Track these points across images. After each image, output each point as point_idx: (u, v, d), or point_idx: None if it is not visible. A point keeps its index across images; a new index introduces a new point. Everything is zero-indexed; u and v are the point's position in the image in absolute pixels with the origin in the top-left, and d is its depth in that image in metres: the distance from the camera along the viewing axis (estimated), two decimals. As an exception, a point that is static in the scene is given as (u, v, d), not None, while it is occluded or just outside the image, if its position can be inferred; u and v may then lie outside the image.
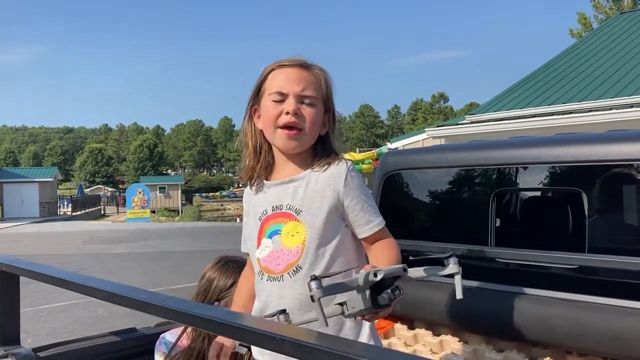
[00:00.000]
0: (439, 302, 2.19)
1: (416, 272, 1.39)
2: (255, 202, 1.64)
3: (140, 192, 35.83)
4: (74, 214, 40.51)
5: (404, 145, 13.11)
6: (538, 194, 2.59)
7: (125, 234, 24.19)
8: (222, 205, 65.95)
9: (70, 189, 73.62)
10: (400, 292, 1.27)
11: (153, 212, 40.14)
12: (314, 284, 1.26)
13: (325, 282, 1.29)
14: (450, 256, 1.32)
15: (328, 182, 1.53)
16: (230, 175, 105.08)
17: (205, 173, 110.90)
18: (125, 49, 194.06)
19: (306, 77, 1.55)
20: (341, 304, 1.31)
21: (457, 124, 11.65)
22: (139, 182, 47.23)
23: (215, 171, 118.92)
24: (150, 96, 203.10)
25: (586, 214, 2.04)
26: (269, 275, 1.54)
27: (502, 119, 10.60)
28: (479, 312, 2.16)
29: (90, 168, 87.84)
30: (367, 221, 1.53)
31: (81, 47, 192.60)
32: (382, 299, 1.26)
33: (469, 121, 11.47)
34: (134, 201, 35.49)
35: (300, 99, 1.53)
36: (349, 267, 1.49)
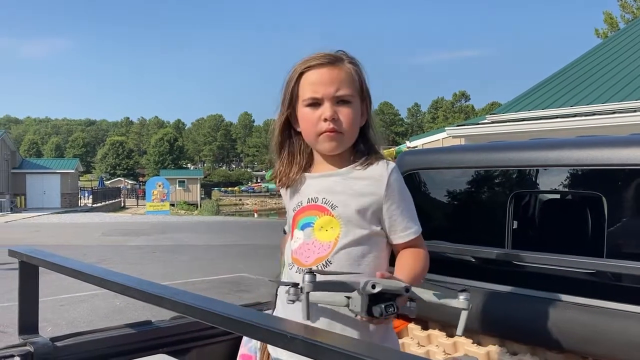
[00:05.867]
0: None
1: (422, 293, 1.38)
2: (291, 194, 1.63)
3: (160, 186, 36.16)
4: (94, 205, 41.08)
5: (423, 144, 13.05)
6: (557, 196, 2.56)
7: (145, 227, 24.45)
8: (240, 200, 66.34)
9: (91, 180, 74.64)
10: (394, 310, 1.29)
11: (172, 205, 40.47)
12: (307, 277, 1.31)
13: (324, 278, 1.33)
14: (464, 290, 1.33)
15: (369, 183, 1.51)
16: (249, 170, 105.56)
17: (224, 168, 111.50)
18: (147, 43, 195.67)
19: (338, 76, 1.50)
20: (348, 297, 1.35)
21: (478, 124, 11.55)
22: (159, 176, 47.63)
23: (234, 166, 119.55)
24: (171, 90, 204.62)
25: (606, 218, 2.01)
26: (298, 267, 1.53)
27: (523, 120, 10.48)
28: (493, 315, 2.14)
29: (111, 160, 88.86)
30: (405, 227, 1.52)
31: (104, 40, 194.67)
32: (375, 310, 1.29)
33: (489, 121, 11.37)
34: (154, 194, 35.82)
35: (335, 100, 1.50)
36: (378, 269, 1.47)
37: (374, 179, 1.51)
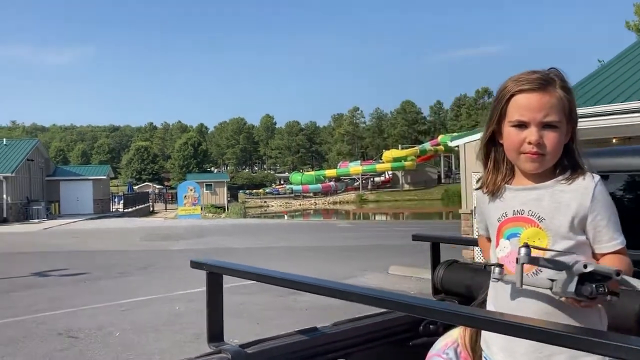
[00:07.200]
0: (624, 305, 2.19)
1: (632, 280, 1.43)
2: (492, 204, 1.69)
3: (191, 190, 36.55)
4: (126, 210, 41.66)
5: (465, 144, 12.96)
6: None
7: (179, 231, 24.73)
8: (265, 202, 66.58)
9: (117, 186, 75.58)
10: (604, 290, 1.34)
11: (200, 208, 40.89)
12: (523, 250, 1.40)
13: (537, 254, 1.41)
14: None
15: (574, 196, 1.55)
16: (272, 172, 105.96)
17: (247, 170, 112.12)
18: (167, 49, 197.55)
19: (547, 102, 1.54)
20: (552, 280, 1.41)
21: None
22: (185, 180, 48.21)
23: (256, 168, 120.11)
24: (193, 95, 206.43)
25: None
26: (507, 274, 1.60)
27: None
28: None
29: (136, 165, 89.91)
30: (610, 238, 1.56)
31: (124, 47, 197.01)
32: (585, 289, 1.34)
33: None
34: (186, 198, 36.21)
35: (541, 125, 1.54)
36: None
37: (579, 192, 1.56)
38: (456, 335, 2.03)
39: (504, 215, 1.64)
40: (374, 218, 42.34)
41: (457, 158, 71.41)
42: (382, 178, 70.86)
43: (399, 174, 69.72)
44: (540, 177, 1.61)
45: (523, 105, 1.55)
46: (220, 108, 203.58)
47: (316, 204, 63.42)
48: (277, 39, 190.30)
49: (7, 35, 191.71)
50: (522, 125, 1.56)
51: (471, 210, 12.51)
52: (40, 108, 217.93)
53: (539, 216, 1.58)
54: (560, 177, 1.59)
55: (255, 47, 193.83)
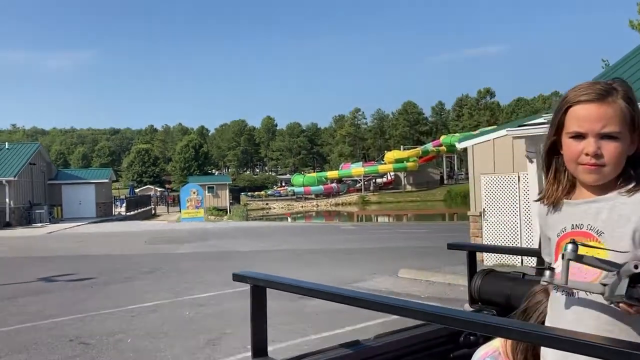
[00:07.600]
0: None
1: None
2: (552, 218, 1.66)
3: (194, 193, 36.50)
4: (128, 213, 41.59)
5: (473, 145, 12.90)
6: None
7: (183, 234, 24.69)
8: (267, 204, 66.57)
9: (118, 189, 75.52)
10: None
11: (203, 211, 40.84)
12: (570, 246, 1.37)
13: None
14: None
15: (635, 208, 1.51)
16: (273, 174, 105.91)
17: (248, 172, 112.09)
18: (167, 52, 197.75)
19: (605, 113, 1.51)
20: (604, 285, 1.36)
21: (542, 124, 11.38)
22: (186, 182, 48.22)
23: (257, 170, 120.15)
24: (194, 97, 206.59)
25: None
26: (563, 289, 1.56)
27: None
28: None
29: (137, 168, 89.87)
30: None
31: (124, 49, 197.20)
32: (636, 292, 1.28)
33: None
34: (188, 201, 36.17)
35: (600, 136, 1.51)
36: None
37: (639, 204, 1.51)
38: (497, 344, 2.01)
39: (563, 229, 1.61)
40: (377, 220, 42.26)
41: (460, 159, 71.64)
42: (384, 179, 70.84)
43: (401, 175, 69.71)
44: (601, 189, 1.57)
45: (581, 116, 1.53)
46: (220, 110, 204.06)
47: (318, 205, 63.40)
48: (277, 40, 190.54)
49: (7, 39, 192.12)
50: (580, 136, 1.53)
51: (480, 212, 12.45)
52: (41, 111, 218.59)
53: (597, 230, 1.53)
54: (622, 189, 1.54)
55: (255, 49, 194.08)
